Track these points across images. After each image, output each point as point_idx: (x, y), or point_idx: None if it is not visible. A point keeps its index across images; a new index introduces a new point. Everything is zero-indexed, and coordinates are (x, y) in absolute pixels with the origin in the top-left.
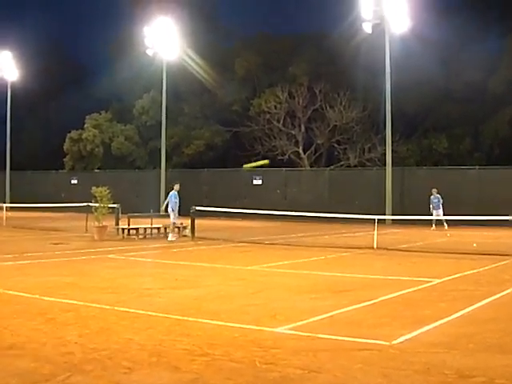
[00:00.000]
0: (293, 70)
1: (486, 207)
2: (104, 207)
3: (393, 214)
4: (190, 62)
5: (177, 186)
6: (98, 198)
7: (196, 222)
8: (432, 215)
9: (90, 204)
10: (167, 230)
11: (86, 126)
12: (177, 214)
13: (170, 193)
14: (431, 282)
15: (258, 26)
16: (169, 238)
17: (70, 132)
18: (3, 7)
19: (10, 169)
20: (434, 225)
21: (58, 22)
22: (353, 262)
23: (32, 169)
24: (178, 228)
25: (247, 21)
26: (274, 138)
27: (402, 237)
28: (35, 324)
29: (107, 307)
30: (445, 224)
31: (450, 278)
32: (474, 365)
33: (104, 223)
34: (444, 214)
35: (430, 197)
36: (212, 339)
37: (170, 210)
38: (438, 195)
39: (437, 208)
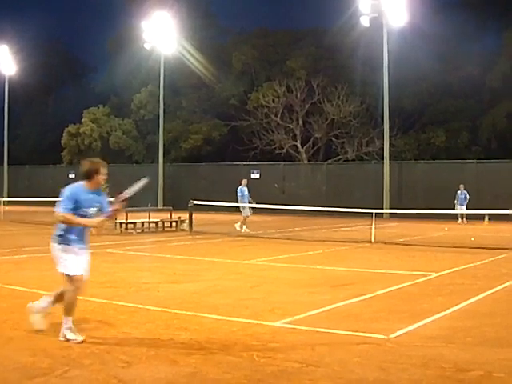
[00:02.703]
0: (290, 63)
1: (483, 201)
2: None
3: (390, 208)
4: (187, 56)
5: (244, 181)
6: None
7: (194, 216)
8: (456, 209)
9: None
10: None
11: (83, 120)
12: (246, 208)
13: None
14: (429, 275)
15: (256, 20)
16: (237, 228)
17: (67, 126)
18: (1, 1)
19: (8, 163)
20: (460, 219)
21: (56, 16)
22: (350, 256)
23: (30, 163)
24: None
25: (245, 15)
26: (272, 131)
27: (400, 231)
28: None
29: (105, 301)
30: (464, 219)
31: (448, 271)
32: (471, 358)
33: None
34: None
35: (456, 192)
36: (210, 333)
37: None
38: (465, 191)
39: (461, 203)
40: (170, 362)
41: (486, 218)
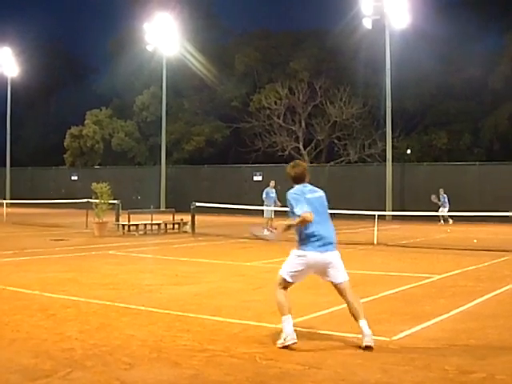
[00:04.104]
0: (293, 65)
1: (486, 203)
2: (104, 203)
3: (393, 210)
4: (189, 57)
5: (272, 183)
6: (99, 195)
7: (196, 218)
8: (438, 211)
9: (91, 200)
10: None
11: (86, 122)
12: (268, 210)
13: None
14: (431, 277)
15: (259, 22)
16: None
17: (70, 128)
18: (3, 3)
19: (10, 165)
20: (442, 220)
21: (59, 18)
22: (353, 258)
23: (32, 165)
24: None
25: (247, 17)
26: (274, 133)
27: (402, 233)
28: (36, 320)
29: (108, 303)
30: (449, 220)
31: (450, 273)
32: (474, 360)
33: (104, 219)
34: (431, 210)
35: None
36: (212, 335)
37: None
38: (445, 195)
39: (443, 206)
40: (172, 364)
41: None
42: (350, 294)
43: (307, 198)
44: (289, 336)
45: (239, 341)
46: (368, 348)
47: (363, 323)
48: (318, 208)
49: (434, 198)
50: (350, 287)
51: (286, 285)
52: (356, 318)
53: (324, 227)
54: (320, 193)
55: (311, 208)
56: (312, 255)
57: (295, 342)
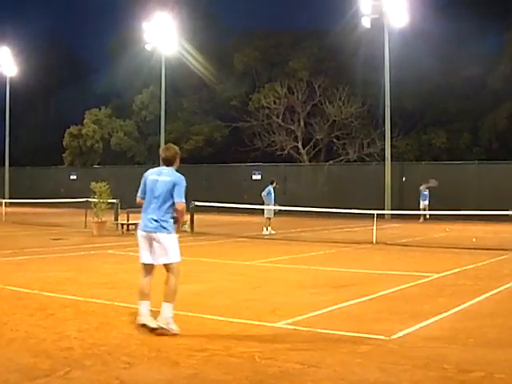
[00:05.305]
0: (292, 64)
1: (485, 202)
2: (103, 202)
3: (392, 209)
4: (188, 57)
5: (274, 183)
6: (98, 194)
7: (195, 217)
8: (420, 207)
9: (90, 199)
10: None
11: (85, 121)
12: (269, 209)
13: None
14: (430, 276)
15: (258, 21)
16: (263, 232)
17: (69, 127)
18: (3, 2)
19: (9, 164)
20: (422, 217)
21: (58, 17)
22: (352, 257)
23: (31, 164)
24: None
25: (247, 16)
26: (274, 133)
27: (401, 231)
28: (35, 319)
29: (107, 302)
30: (426, 215)
31: (449, 272)
32: (473, 359)
33: (103, 218)
34: (431, 209)
35: (419, 189)
36: (211, 334)
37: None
38: (426, 192)
39: (424, 199)
40: (172, 363)
41: (422, 218)
42: (170, 277)
43: (149, 180)
44: (139, 316)
45: (238, 340)
46: (155, 329)
47: (165, 305)
48: (153, 191)
49: (425, 186)
50: (172, 270)
51: (143, 269)
52: (164, 298)
53: (149, 209)
54: (168, 178)
55: (146, 190)
56: (139, 233)
57: (141, 324)
